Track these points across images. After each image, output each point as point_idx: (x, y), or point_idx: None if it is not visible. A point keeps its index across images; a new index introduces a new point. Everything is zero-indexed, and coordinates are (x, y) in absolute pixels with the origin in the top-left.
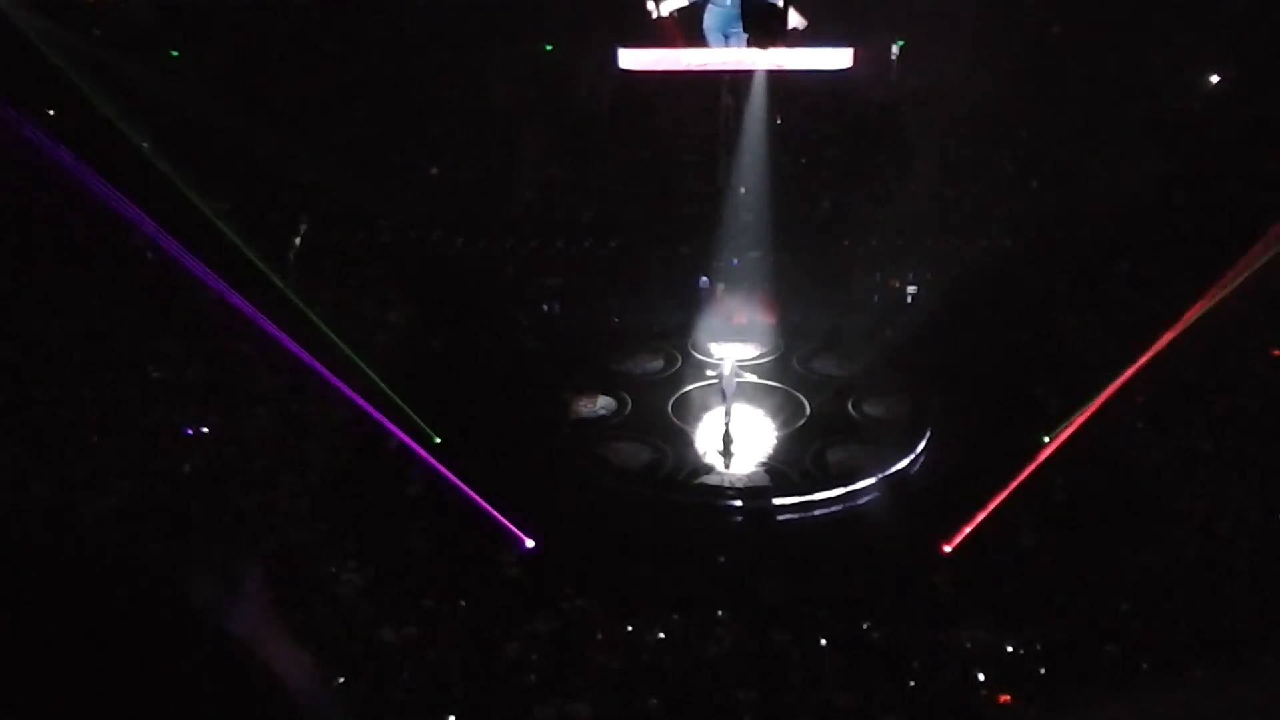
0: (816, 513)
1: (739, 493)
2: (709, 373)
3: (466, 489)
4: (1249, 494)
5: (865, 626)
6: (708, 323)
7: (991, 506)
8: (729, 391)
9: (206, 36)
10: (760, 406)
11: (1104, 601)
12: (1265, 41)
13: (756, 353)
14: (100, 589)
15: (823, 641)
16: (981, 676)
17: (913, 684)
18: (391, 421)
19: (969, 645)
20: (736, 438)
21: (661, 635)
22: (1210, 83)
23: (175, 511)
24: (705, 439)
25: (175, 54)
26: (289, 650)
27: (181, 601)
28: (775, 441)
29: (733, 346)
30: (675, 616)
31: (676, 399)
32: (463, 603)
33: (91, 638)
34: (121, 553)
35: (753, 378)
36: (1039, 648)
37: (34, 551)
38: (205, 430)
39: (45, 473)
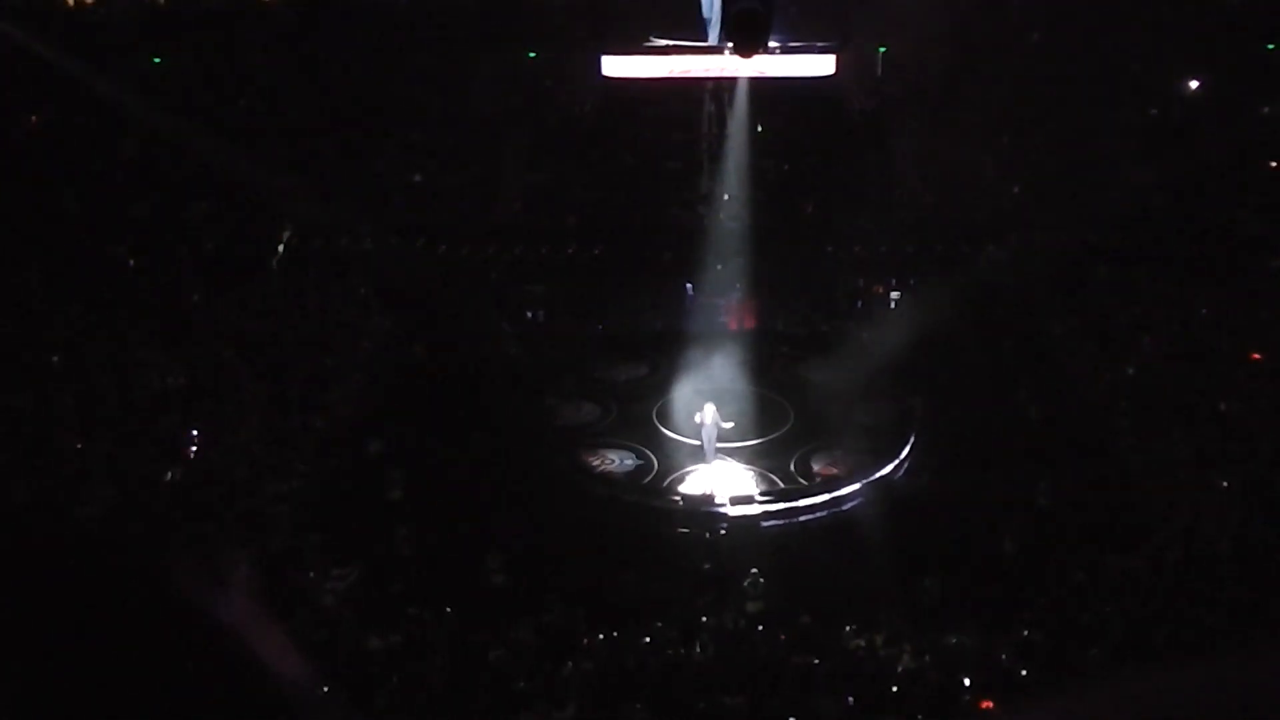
0: (802, 519)
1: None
2: (695, 418)
3: None
4: (1230, 496)
5: (849, 629)
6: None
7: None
8: (710, 445)
9: (188, 42)
10: (742, 418)
11: (1087, 603)
12: (1246, 48)
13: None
14: (86, 591)
15: (807, 646)
16: (966, 681)
17: (895, 689)
18: (377, 428)
19: (953, 649)
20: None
21: (647, 640)
22: (1191, 89)
23: (160, 518)
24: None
25: (157, 60)
26: (278, 654)
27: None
28: (759, 457)
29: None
30: (659, 624)
31: (660, 405)
32: (448, 609)
33: (78, 639)
34: (106, 557)
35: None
36: (1022, 650)
37: (18, 554)
38: (196, 435)
39: (28, 477)
